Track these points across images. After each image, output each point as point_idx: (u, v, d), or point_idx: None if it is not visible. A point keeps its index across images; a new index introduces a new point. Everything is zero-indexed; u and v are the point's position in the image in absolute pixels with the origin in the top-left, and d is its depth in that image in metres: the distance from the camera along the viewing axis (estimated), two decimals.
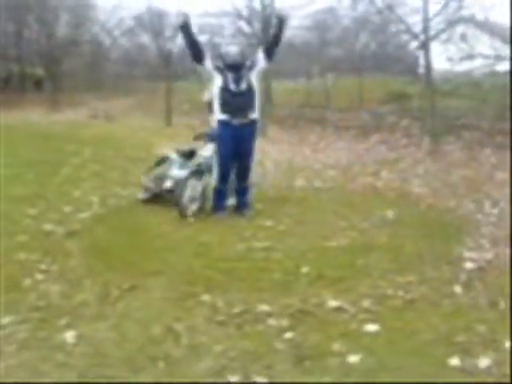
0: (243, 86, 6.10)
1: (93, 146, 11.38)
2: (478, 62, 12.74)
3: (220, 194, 6.37)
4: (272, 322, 3.75)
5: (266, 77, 13.83)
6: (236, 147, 6.12)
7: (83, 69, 21.97)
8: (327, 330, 3.63)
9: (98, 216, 6.38)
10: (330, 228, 5.84)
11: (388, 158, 10.75)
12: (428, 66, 10.89)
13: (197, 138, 6.69)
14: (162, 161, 7.13)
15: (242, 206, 6.40)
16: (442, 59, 13.00)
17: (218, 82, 6.14)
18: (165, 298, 4.14)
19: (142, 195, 6.98)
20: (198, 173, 6.36)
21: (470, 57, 12.36)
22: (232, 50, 6.14)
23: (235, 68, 6.11)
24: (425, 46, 10.71)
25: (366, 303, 4.02)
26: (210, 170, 6.42)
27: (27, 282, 4.47)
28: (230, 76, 6.09)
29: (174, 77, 16.64)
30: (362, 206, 6.88)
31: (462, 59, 12.65)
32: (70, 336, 3.56)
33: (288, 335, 3.56)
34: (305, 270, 4.67)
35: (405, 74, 18.34)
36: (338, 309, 3.93)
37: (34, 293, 4.26)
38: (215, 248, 5.21)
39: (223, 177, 6.24)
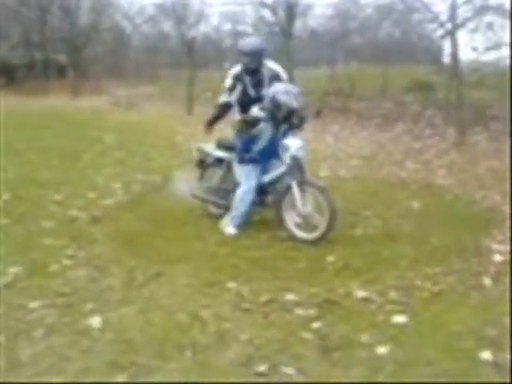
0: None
1: (115, 132, 11.40)
2: (504, 52, 12.53)
3: None
4: (299, 311, 3.72)
5: (288, 65, 13.73)
6: None
7: (105, 56, 22.01)
8: (354, 320, 3.59)
9: (122, 203, 6.39)
10: (355, 217, 5.78)
11: (412, 148, 10.61)
12: (455, 56, 10.71)
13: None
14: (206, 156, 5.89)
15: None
16: (468, 49, 12.80)
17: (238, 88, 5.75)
18: (190, 285, 4.13)
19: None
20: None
21: (497, 46, 12.16)
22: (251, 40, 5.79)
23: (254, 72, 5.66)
24: (451, 35, 10.53)
25: (393, 294, 3.97)
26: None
27: (54, 267, 4.49)
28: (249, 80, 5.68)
29: (197, 65, 16.57)
30: (387, 195, 6.81)
31: (488, 49, 12.45)
32: (95, 321, 3.56)
33: (315, 325, 3.53)
34: (331, 259, 4.63)
35: (428, 63, 18.13)
36: (365, 299, 3.89)
37: (61, 278, 4.27)
38: (240, 236, 5.17)
39: None
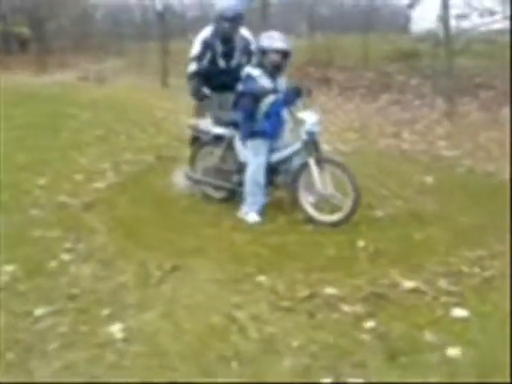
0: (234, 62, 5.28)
1: (90, 108, 10.69)
2: (487, 19, 12.18)
3: None
4: (345, 307, 3.29)
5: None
6: None
7: (70, 29, 20.97)
8: (411, 316, 3.19)
9: (114, 186, 5.83)
10: (372, 196, 5.34)
11: (403, 119, 10.22)
12: (445, 21, 10.30)
13: None
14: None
15: None
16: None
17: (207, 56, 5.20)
18: (214, 280, 3.66)
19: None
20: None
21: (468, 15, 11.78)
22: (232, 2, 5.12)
23: (227, 39, 5.17)
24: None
25: (442, 283, 3.58)
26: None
27: (53, 264, 3.97)
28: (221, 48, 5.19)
29: (166, 36, 15.82)
30: (397, 170, 6.40)
31: (459, 17, 12.07)
32: (116, 330, 3.09)
33: (369, 324, 3.11)
34: (360, 244, 4.20)
35: (396, 32, 17.75)
36: (414, 290, 3.48)
37: (64, 277, 3.76)
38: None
39: None
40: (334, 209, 4.60)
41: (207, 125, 5.13)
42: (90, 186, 5.75)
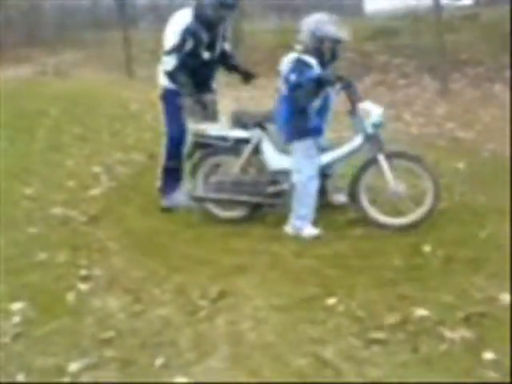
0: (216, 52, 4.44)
1: (59, 104, 9.83)
2: None
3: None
4: (449, 333, 2.72)
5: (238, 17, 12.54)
6: None
7: (21, 21, 19.75)
8: None
9: (112, 192, 5.12)
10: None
11: (395, 100, 9.72)
12: None
13: None
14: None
15: None
16: None
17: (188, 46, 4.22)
18: (275, 308, 3.04)
19: None
20: None
21: None
22: None
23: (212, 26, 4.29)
24: None
25: None
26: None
27: (70, 296, 3.28)
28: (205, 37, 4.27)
29: (127, 24, 14.91)
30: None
31: None
32: None
33: (487, 356, 2.54)
34: (426, 248, 3.64)
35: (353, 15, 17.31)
36: None
37: (89, 314, 3.08)
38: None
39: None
40: (406, 210, 3.99)
41: (221, 129, 4.25)
42: (85, 194, 5.03)
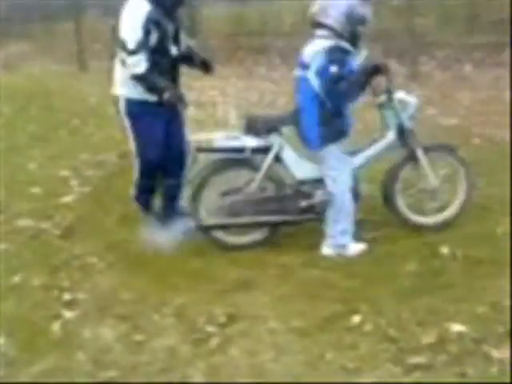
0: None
1: (8, 99, 9.19)
2: None
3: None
4: (495, 353, 2.45)
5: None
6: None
7: None
8: None
9: (86, 199, 4.65)
10: None
11: None
12: None
13: None
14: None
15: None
16: None
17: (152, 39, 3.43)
18: (294, 330, 2.71)
19: None
20: None
21: None
22: None
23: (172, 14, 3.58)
24: None
25: None
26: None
27: (55, 327, 2.87)
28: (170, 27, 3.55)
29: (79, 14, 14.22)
30: None
31: None
32: None
33: None
34: (444, 250, 3.37)
35: None
36: None
37: (82, 348, 2.67)
38: (299, 234, 3.72)
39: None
40: (439, 208, 3.72)
41: (234, 138, 3.55)
42: (56, 202, 4.55)
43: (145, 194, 3.80)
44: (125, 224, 4.04)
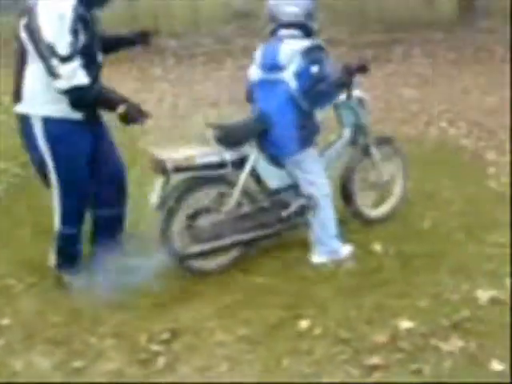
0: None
1: None
2: None
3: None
4: (444, 346, 2.50)
5: None
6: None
7: None
8: None
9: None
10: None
11: None
12: None
13: None
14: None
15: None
16: None
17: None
18: (245, 340, 2.62)
19: None
20: None
21: None
22: None
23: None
24: None
25: None
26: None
27: None
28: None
29: None
30: None
31: None
32: None
33: (495, 367, 2.35)
34: (377, 247, 3.42)
35: None
36: None
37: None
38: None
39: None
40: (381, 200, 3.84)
41: (211, 153, 3.18)
42: None
43: (72, 245, 3.17)
44: (40, 237, 3.71)
